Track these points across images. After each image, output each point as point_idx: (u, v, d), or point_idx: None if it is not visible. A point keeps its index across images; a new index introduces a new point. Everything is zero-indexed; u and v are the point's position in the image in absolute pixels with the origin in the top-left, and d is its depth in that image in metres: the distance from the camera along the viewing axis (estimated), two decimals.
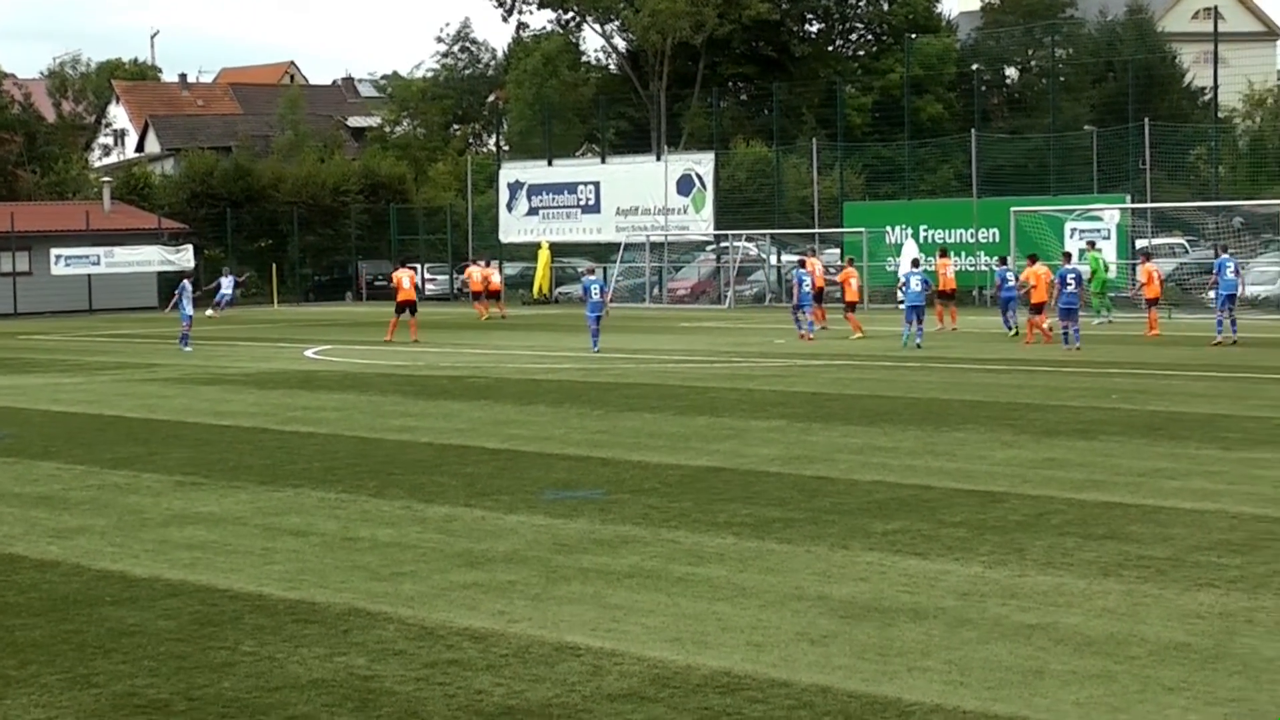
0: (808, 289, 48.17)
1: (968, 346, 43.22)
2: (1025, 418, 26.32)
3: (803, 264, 50.09)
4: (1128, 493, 18.72)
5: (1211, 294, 46.61)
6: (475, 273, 67.98)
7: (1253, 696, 10.61)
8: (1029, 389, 31.27)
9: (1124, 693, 10.77)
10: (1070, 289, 41.86)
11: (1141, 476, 19.96)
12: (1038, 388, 31.46)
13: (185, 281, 48.04)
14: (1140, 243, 58.12)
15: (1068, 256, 47.47)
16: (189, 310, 47.48)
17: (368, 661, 11.94)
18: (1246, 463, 20.97)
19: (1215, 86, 68.61)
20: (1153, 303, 48.29)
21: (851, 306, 49.39)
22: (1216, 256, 47.33)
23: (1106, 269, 55.07)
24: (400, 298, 52.01)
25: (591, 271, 46.56)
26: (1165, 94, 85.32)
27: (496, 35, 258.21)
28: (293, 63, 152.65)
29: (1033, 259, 47.75)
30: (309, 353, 46.18)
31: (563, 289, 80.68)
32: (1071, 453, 22.18)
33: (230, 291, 72.73)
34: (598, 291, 45.18)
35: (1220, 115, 74.27)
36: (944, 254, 55.83)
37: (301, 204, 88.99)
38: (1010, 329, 47.41)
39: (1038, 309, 44.96)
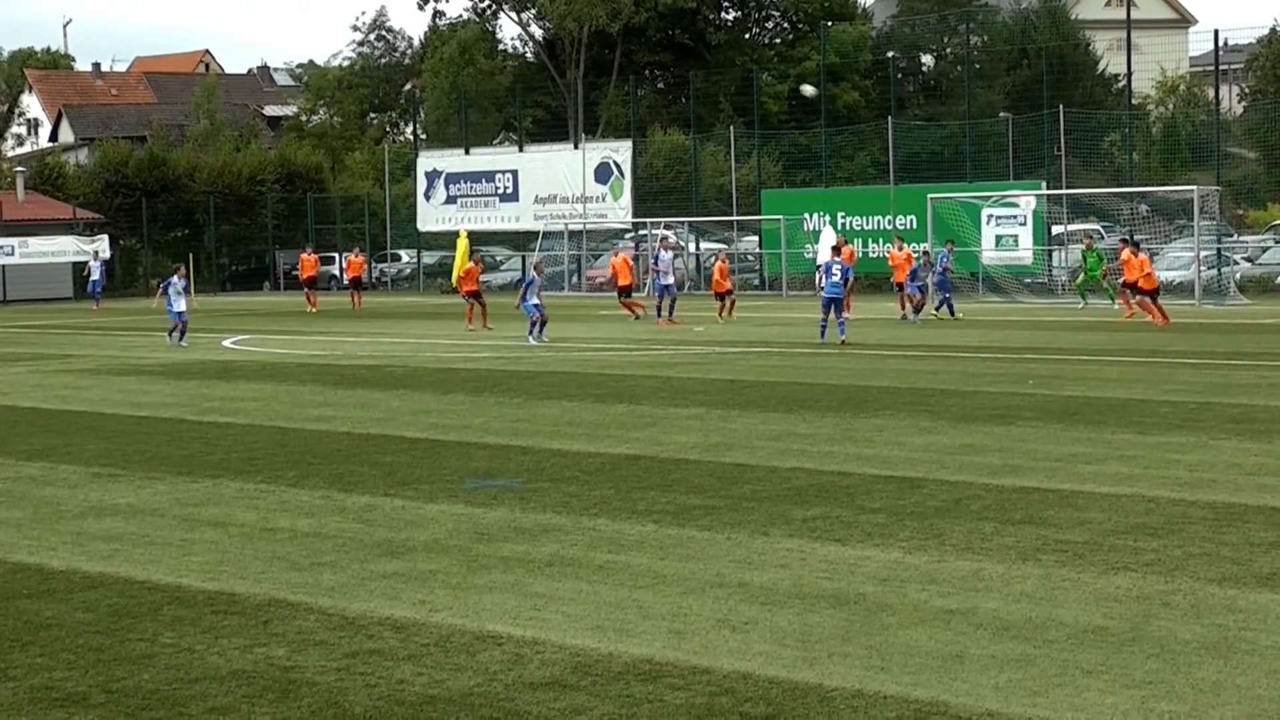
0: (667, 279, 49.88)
1: (884, 333, 43.38)
2: (943, 404, 26.43)
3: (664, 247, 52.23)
4: (1045, 478, 18.83)
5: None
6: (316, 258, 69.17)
7: (1170, 679, 10.70)
8: (946, 375, 31.41)
9: (1042, 676, 10.83)
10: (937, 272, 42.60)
11: (1058, 461, 20.07)
12: (955, 373, 31.61)
13: (174, 277, 46.78)
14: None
15: (926, 255, 48.64)
16: (178, 306, 45.42)
17: (288, 652, 11.89)
18: (1162, 447, 21.13)
19: (1129, 74, 69.09)
20: (1150, 294, 45.79)
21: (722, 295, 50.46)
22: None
23: (1103, 260, 55.33)
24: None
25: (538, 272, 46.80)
26: (1079, 81, 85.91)
27: (413, 23, 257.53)
28: (208, 51, 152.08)
29: (899, 242, 51.75)
30: (227, 343, 45.97)
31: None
32: (989, 438, 22.30)
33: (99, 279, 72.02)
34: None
35: (1134, 102, 74.83)
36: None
37: (217, 193, 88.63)
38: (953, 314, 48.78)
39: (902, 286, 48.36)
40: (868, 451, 21.33)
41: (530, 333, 42.34)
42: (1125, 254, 46.63)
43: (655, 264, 51.38)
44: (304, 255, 68.93)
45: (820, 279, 43.97)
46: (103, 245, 78.82)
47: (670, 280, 49.86)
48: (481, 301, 48.10)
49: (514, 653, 11.71)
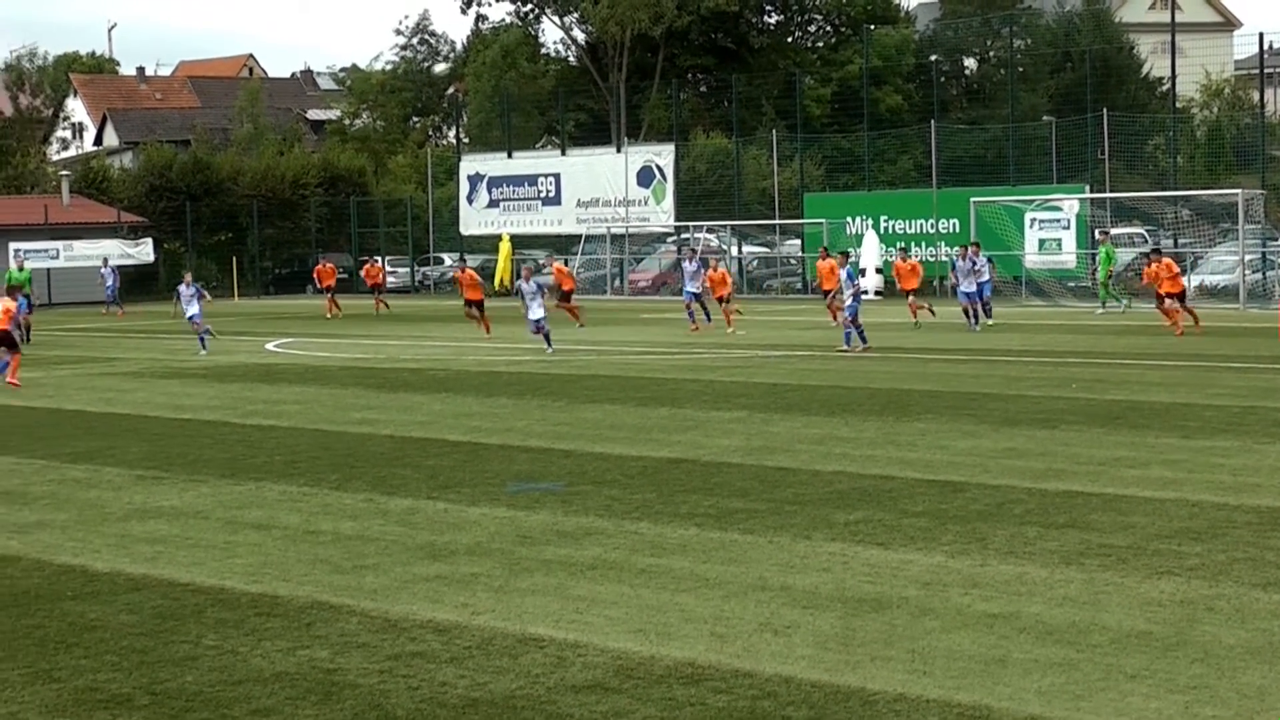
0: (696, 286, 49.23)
1: (927, 337, 43.28)
2: (985, 407, 26.37)
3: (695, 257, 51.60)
4: (1088, 481, 18.77)
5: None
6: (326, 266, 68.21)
7: (1214, 684, 10.66)
8: (988, 379, 31.33)
9: (1086, 681, 10.80)
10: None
11: (1101, 465, 20.01)
12: (997, 377, 31.53)
13: (181, 285, 46.34)
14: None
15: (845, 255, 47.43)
16: (191, 310, 44.91)
17: (331, 654, 11.92)
18: (1206, 451, 21.05)
19: (1173, 77, 68.86)
20: (1178, 297, 44.32)
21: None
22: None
23: (1112, 260, 55.29)
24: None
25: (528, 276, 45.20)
26: (1123, 84, 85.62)
27: (455, 27, 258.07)
28: (251, 55, 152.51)
29: (824, 252, 50.56)
30: (270, 346, 46.09)
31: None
32: (1032, 442, 22.24)
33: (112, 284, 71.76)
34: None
35: (1178, 106, 74.53)
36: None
37: (260, 197, 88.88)
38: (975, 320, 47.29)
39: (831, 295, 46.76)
40: (910, 455, 21.29)
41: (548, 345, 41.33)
42: (1153, 268, 45.07)
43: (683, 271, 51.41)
44: (320, 266, 68.53)
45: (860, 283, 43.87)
46: (146, 249, 79.16)
47: (696, 288, 49.56)
48: (480, 310, 47.44)
49: (556, 655, 11.71)
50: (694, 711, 10.33)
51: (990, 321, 47.08)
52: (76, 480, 20.98)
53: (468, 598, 13.61)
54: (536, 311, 40.93)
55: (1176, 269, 45.14)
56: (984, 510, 17.07)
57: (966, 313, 46.33)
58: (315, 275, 69.70)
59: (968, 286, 46.34)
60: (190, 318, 44.96)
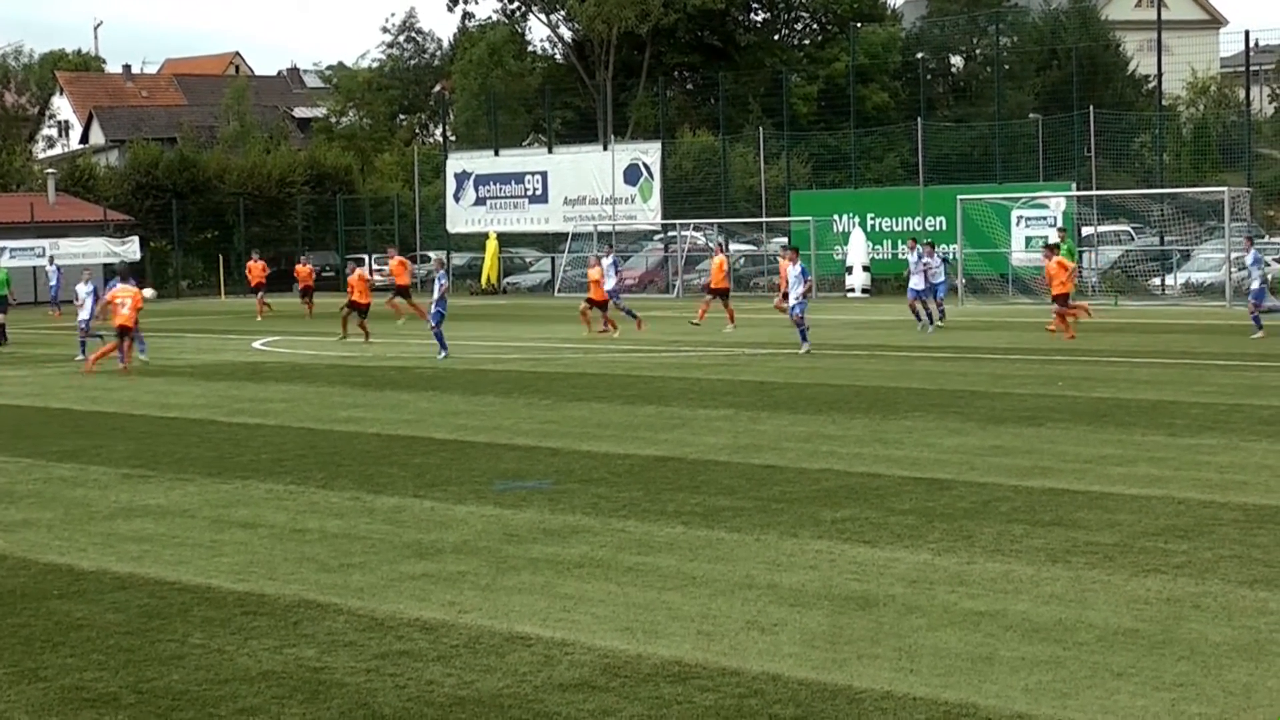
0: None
1: (913, 334, 43.30)
2: (972, 405, 26.40)
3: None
4: (1074, 479, 18.80)
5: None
6: (255, 267, 66.87)
7: (1200, 681, 10.67)
8: (975, 376, 31.36)
9: (1072, 679, 10.81)
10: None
11: (1088, 463, 20.03)
12: (984, 375, 31.56)
13: (78, 285, 44.01)
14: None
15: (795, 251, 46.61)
16: (84, 314, 42.16)
17: (318, 653, 11.91)
18: (1192, 449, 21.08)
19: (1159, 74, 68.90)
20: (1061, 299, 42.76)
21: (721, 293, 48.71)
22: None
23: (1074, 256, 55.53)
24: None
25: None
26: (1109, 82, 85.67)
27: (442, 25, 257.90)
28: (237, 53, 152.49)
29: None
30: (256, 344, 46.07)
31: (511, 279, 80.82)
32: (1018, 440, 22.27)
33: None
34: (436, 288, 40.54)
35: (1164, 103, 74.59)
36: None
37: (247, 195, 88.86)
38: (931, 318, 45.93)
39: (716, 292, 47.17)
40: (897, 453, 21.31)
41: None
42: (1051, 264, 42.97)
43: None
44: (251, 262, 67.20)
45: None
46: (133, 247, 79.10)
47: (611, 284, 48.77)
48: (361, 315, 46.15)
49: (543, 654, 11.71)
50: (681, 710, 10.34)
51: (940, 323, 45.78)
52: (63, 479, 20.95)
53: (454, 596, 13.60)
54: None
55: (1071, 267, 44.16)
56: (970, 508, 17.08)
57: (914, 311, 45.33)
58: (247, 271, 68.26)
59: (916, 284, 45.57)
60: (81, 323, 42.25)
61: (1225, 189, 58.17)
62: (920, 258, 45.66)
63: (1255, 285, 42.60)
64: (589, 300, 47.05)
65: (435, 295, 40.04)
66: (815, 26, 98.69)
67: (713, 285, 48.99)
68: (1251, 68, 73.17)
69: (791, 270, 39.91)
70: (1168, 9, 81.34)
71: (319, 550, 15.72)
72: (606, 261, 49.03)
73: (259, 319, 60.25)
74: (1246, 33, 64.51)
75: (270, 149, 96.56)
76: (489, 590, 13.82)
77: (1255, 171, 65.13)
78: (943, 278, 47.77)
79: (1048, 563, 14.31)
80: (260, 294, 64.27)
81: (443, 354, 38.68)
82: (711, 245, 58.91)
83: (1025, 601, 12.95)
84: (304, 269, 66.01)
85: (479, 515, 17.42)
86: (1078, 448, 21.41)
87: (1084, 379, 30.46)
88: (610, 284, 48.02)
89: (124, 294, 37.74)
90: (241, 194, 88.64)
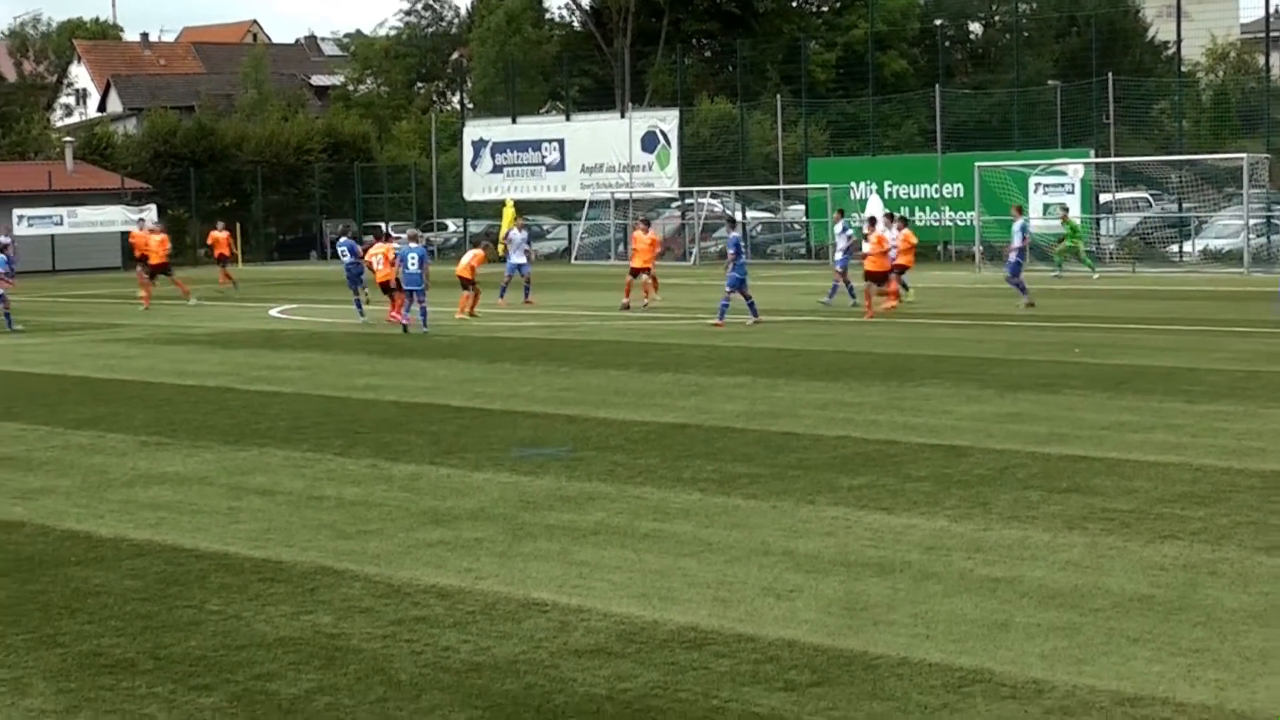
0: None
1: (930, 301, 43.23)
2: (989, 372, 26.37)
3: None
4: (1091, 446, 18.78)
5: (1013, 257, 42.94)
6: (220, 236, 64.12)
7: (1216, 647, 10.67)
8: (991, 344, 31.32)
9: (1088, 644, 10.81)
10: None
11: (1105, 430, 20.02)
12: (1000, 342, 31.52)
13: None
14: (872, 209, 55.35)
15: (840, 212, 46.06)
16: None
17: (334, 619, 11.94)
18: (1210, 415, 21.05)
19: (1178, 40, 68.66)
20: (877, 277, 40.66)
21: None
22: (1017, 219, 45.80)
23: (1078, 234, 55.70)
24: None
25: (415, 239, 41.15)
26: (1128, 48, 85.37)
27: None
28: (255, 21, 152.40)
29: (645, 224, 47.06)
30: (273, 312, 46.12)
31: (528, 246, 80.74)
32: (1035, 406, 22.24)
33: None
34: (416, 262, 38.80)
35: (1183, 69, 74.34)
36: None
37: (265, 163, 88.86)
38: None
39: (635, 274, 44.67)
40: (914, 420, 21.30)
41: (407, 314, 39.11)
42: (905, 234, 41.30)
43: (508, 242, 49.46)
44: (215, 232, 64.27)
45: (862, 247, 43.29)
46: (150, 214, 79.19)
47: (521, 259, 48.31)
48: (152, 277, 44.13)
49: (559, 620, 11.73)
50: (697, 676, 10.35)
51: (852, 302, 42.52)
52: (81, 446, 20.99)
53: (471, 563, 13.62)
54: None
55: (914, 241, 42.21)
56: (987, 475, 17.08)
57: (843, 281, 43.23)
58: (209, 242, 64.96)
59: (840, 255, 43.90)
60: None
61: (1244, 155, 57.98)
62: (844, 229, 44.80)
63: (1013, 257, 42.58)
64: (631, 269, 45.37)
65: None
66: None
67: (634, 265, 45.69)
68: (1272, 34, 72.83)
69: (836, 229, 40.11)
70: None
71: (336, 517, 15.75)
72: (518, 235, 48.87)
73: (220, 288, 58.47)
74: None
75: (288, 117, 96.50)
76: (505, 557, 13.84)
77: (1275, 138, 64.90)
78: (843, 245, 44.24)
79: (1064, 529, 14.31)
80: (224, 266, 61.48)
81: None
82: (640, 221, 56.44)
83: (1041, 568, 12.95)
84: (221, 236, 63.34)
85: (496, 482, 17.43)
86: (1095, 414, 21.38)
87: (1101, 346, 30.41)
88: (520, 259, 47.90)
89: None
90: (259, 162, 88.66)
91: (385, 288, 40.27)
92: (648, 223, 48.54)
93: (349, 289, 42.81)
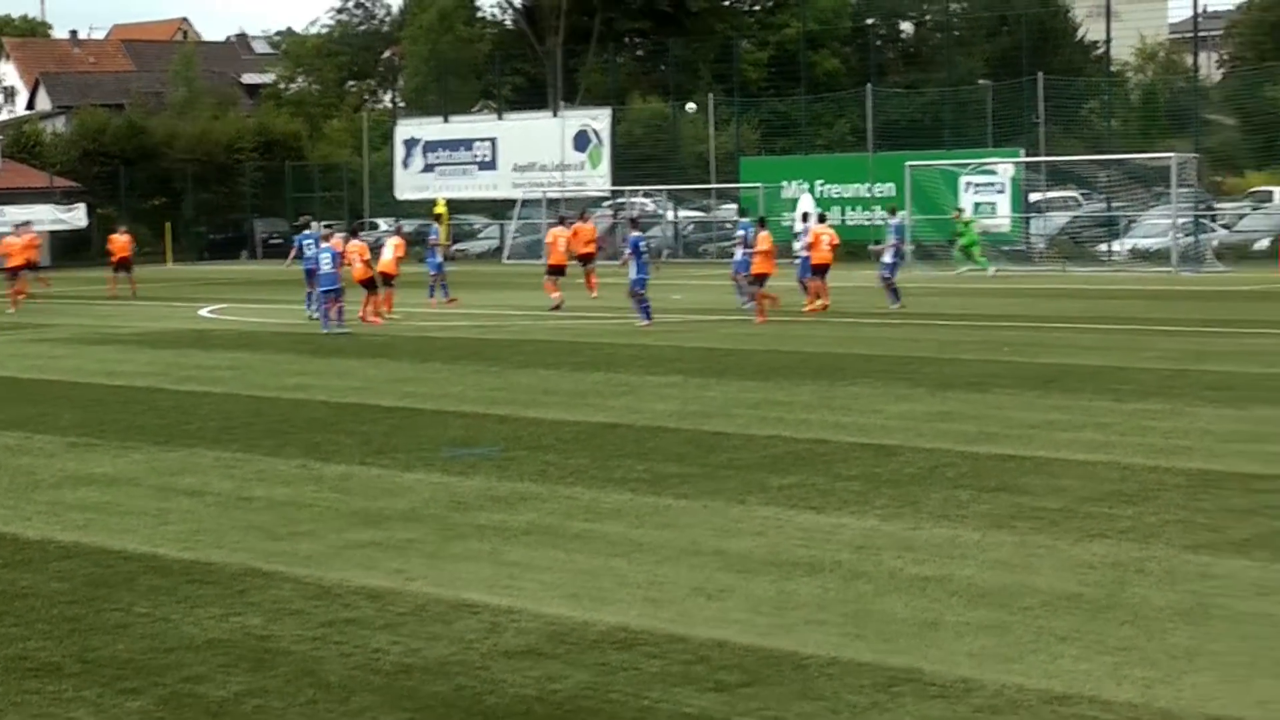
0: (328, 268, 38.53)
1: (861, 300, 43.34)
2: (919, 371, 26.46)
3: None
4: (1020, 445, 18.87)
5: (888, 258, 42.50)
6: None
7: (1143, 645, 10.73)
8: (922, 342, 31.43)
9: (1017, 643, 10.86)
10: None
11: (1034, 429, 20.12)
12: (930, 341, 31.63)
13: None
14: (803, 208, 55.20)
15: (634, 223, 44.13)
16: None
17: (264, 621, 11.88)
18: (1138, 414, 21.18)
19: (1108, 40, 69.08)
20: (819, 270, 41.16)
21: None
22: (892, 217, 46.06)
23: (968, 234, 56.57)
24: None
25: (328, 239, 40.13)
26: (1059, 48, 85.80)
27: None
28: (185, 19, 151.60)
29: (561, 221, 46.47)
30: (203, 312, 45.89)
31: (459, 245, 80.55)
32: (965, 406, 22.33)
33: None
34: (330, 263, 37.93)
35: (1113, 69, 74.79)
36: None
37: (195, 162, 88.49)
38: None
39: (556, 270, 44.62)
40: (844, 419, 21.35)
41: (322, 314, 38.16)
42: (761, 235, 39.02)
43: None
44: (115, 235, 59.16)
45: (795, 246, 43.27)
46: (80, 214, 78.74)
47: (439, 258, 47.66)
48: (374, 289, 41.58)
49: (490, 621, 11.71)
50: (627, 676, 10.35)
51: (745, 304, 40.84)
52: (7, 448, 20.82)
53: (402, 564, 13.58)
54: None
55: (767, 247, 38.53)
56: (917, 474, 17.14)
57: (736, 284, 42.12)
58: (109, 244, 59.31)
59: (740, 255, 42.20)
60: None
61: (1173, 155, 58.37)
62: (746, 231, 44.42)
63: (888, 258, 42.12)
64: (549, 268, 45.12)
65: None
66: None
67: (550, 262, 45.61)
68: (1200, 33, 73.37)
69: (630, 239, 39.16)
70: None
71: (266, 518, 15.68)
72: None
73: (110, 293, 55.58)
74: None
75: (219, 116, 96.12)
76: (436, 558, 13.81)
77: (1202, 137, 65.34)
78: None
79: (993, 528, 14.37)
80: (123, 272, 56.79)
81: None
82: (555, 218, 55.16)
83: (970, 567, 13.00)
84: (120, 239, 58.71)
85: (426, 483, 17.39)
86: (1024, 413, 21.49)
87: (1030, 345, 30.55)
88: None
89: None
90: (190, 161, 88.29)
91: (367, 284, 39.99)
92: (563, 219, 48.57)
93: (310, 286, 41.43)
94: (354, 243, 41.40)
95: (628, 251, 38.31)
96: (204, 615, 12.09)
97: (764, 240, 38.58)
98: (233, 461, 19.19)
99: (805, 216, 43.25)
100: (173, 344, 35.42)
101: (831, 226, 43.19)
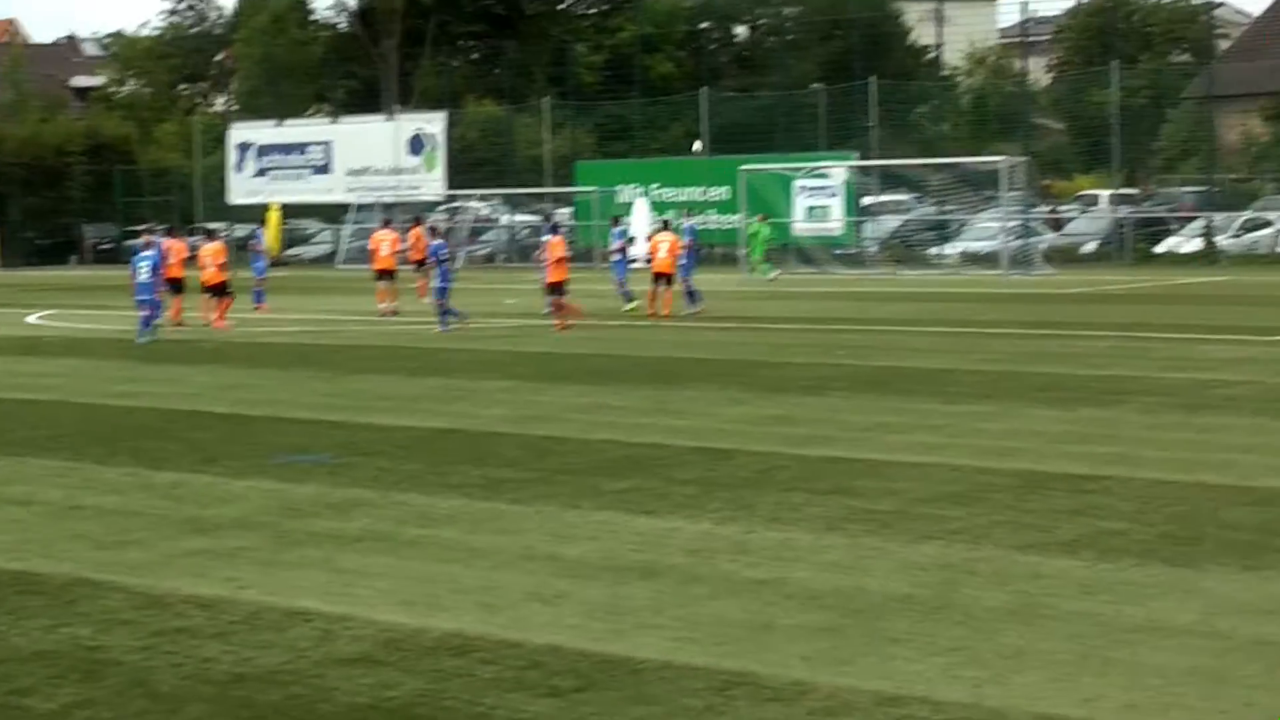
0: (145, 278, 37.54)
1: (701, 304, 43.45)
2: (754, 375, 26.59)
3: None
4: (853, 447, 19.01)
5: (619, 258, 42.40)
6: None
7: (974, 645, 10.83)
8: (757, 346, 31.61)
9: (850, 645, 10.92)
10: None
11: (867, 431, 20.27)
12: (766, 345, 31.82)
13: None
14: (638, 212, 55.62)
15: (435, 231, 43.91)
16: None
17: (93, 632, 11.73)
18: (969, 416, 21.41)
19: (939, 45, 69.79)
20: (661, 278, 40.82)
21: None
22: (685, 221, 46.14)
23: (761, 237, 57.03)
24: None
25: (149, 246, 39.56)
26: (891, 52, 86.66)
27: None
28: (13, 20, 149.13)
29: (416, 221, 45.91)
30: (31, 318, 45.25)
31: (293, 250, 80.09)
32: (799, 409, 22.47)
33: None
34: (148, 270, 37.26)
35: (944, 73, 75.61)
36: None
37: (23, 165, 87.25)
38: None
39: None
40: (679, 423, 21.40)
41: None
42: (553, 242, 38.75)
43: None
44: None
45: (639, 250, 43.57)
46: None
47: (262, 263, 47.36)
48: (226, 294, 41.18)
49: (323, 629, 11.62)
50: (462, 683, 10.31)
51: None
52: None
53: (233, 572, 13.46)
54: None
55: (560, 253, 38.32)
56: (751, 477, 17.21)
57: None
58: None
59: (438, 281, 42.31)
60: None
61: (1002, 159, 59.10)
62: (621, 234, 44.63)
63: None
64: (377, 272, 44.46)
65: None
66: None
67: (376, 267, 45.38)
68: (1028, 39, 74.34)
69: (431, 247, 39.00)
70: None
71: (95, 527, 15.47)
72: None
73: None
74: (1023, 3, 65.53)
75: (47, 118, 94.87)
76: (269, 565, 13.69)
77: (1032, 141, 66.21)
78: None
79: (826, 531, 14.45)
80: None
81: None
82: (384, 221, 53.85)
83: (804, 569, 13.07)
84: None
85: (259, 490, 17.24)
86: (857, 416, 21.65)
87: (864, 347, 30.81)
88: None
89: None
90: (17, 164, 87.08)
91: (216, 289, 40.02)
92: (388, 222, 48.36)
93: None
94: (210, 245, 41.46)
95: (430, 260, 38.02)
96: (32, 626, 11.91)
97: (556, 247, 38.23)
98: (61, 470, 18.92)
99: (667, 225, 43.35)
100: (0, 351, 34.88)
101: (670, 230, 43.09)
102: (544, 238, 41.17)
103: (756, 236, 57.61)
